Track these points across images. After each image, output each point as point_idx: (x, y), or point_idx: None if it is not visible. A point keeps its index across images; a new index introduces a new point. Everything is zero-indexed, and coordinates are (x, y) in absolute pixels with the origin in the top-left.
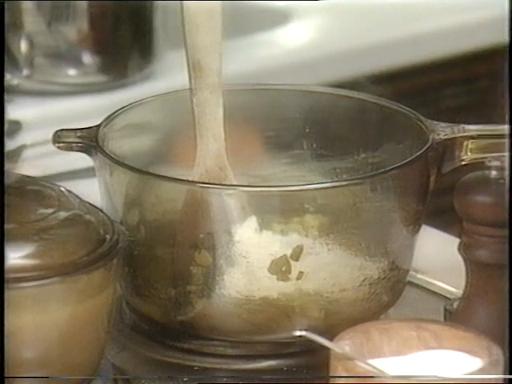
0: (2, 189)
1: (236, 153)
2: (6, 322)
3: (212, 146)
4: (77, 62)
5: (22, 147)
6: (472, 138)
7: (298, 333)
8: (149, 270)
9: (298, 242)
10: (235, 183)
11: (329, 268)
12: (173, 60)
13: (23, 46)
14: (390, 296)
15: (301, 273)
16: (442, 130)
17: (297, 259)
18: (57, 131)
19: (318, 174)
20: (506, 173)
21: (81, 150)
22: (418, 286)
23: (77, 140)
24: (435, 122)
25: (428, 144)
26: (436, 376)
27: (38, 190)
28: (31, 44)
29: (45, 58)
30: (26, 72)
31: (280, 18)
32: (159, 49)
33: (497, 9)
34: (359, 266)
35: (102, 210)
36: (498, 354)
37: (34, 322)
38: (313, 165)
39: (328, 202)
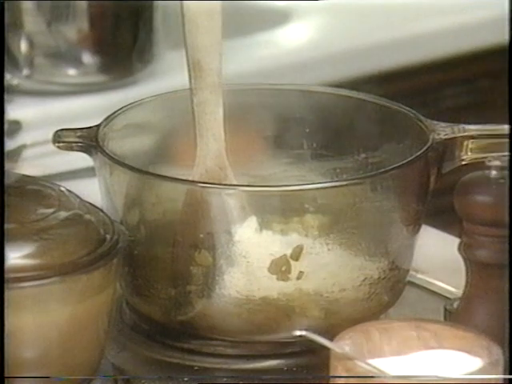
0: (2, 189)
1: (236, 153)
2: (6, 322)
3: (212, 145)
4: (77, 62)
5: (22, 147)
6: (472, 137)
7: (298, 333)
8: (149, 269)
9: (297, 241)
10: (235, 183)
11: (329, 268)
12: (173, 60)
13: (23, 45)
14: (389, 296)
15: (301, 273)
16: (442, 130)
17: (297, 259)
18: (57, 131)
19: (318, 173)
20: (506, 173)
21: (81, 149)
22: (417, 285)
23: (77, 140)
24: (435, 122)
25: (428, 144)
26: (436, 376)
27: (38, 189)
28: (31, 44)
29: (45, 57)
30: (25, 72)
31: (280, 18)
32: (159, 49)
33: (497, 9)
34: (359, 266)
35: (102, 210)
36: (498, 353)
37: (34, 322)
38: (313, 165)
39: (328, 202)
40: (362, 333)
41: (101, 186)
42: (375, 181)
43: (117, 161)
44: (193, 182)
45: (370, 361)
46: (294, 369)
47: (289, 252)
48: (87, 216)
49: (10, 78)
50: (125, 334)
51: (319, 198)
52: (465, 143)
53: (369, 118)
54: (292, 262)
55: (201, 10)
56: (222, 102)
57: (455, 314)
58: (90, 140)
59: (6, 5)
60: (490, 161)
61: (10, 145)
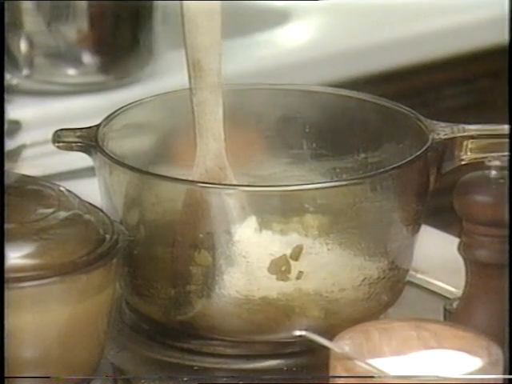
0: (2, 189)
1: (236, 153)
2: (5, 322)
3: (212, 145)
4: (76, 62)
5: (22, 147)
6: (472, 137)
7: (297, 333)
8: (148, 269)
9: (297, 241)
10: (235, 183)
11: (328, 268)
12: (173, 60)
13: (23, 45)
14: (389, 296)
15: (300, 272)
16: (442, 130)
17: (296, 259)
18: (56, 131)
19: (318, 173)
20: (506, 173)
21: (80, 149)
22: (417, 285)
23: (76, 140)
24: (435, 122)
25: (428, 144)
26: (436, 376)
27: (38, 189)
28: (31, 44)
29: (44, 57)
30: (25, 72)
31: (280, 18)
32: (159, 49)
33: (497, 9)
34: (359, 266)
35: (101, 210)
36: (498, 353)
37: (34, 321)
38: (313, 165)
39: (328, 202)
40: (362, 333)
41: (100, 185)
42: (375, 181)
43: (116, 161)
44: (192, 181)
45: (370, 361)
46: (294, 369)
47: (288, 252)
48: (87, 216)
49: (9, 78)
50: (124, 333)
51: (319, 198)
52: (464, 143)
53: (369, 117)
54: (292, 262)
55: (200, 10)
56: (222, 102)
57: (455, 314)
58: (89, 140)
59: (6, 5)
60: (489, 161)
61: (9, 145)
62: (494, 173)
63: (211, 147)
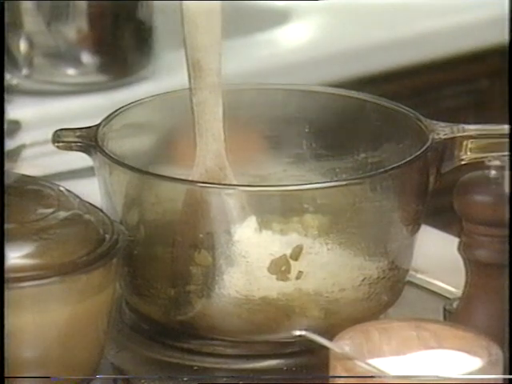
0: (2, 189)
1: (236, 153)
2: (6, 322)
3: (212, 145)
4: (76, 62)
5: (22, 147)
6: (472, 137)
7: (297, 333)
8: (148, 269)
9: (297, 241)
10: (235, 183)
11: (328, 268)
12: (172, 60)
13: (23, 45)
14: (389, 296)
15: (300, 272)
16: (442, 130)
17: (296, 259)
18: (56, 131)
19: (318, 173)
20: (506, 173)
21: (80, 149)
22: (417, 285)
23: (76, 139)
24: (435, 122)
25: (427, 144)
26: (436, 376)
27: (38, 189)
28: (31, 44)
29: (44, 57)
30: (25, 72)
31: (280, 18)
32: (159, 49)
33: (497, 9)
34: (359, 266)
35: (101, 210)
36: (498, 353)
37: (34, 321)
38: (312, 165)
39: (328, 202)
40: (362, 333)
41: (100, 185)
42: (375, 181)
43: (116, 161)
44: (192, 181)
45: (370, 361)
46: (294, 369)
47: (288, 252)
48: (87, 216)
49: (9, 78)
50: (124, 333)
51: (319, 198)
52: (464, 143)
53: (368, 117)
54: (292, 262)
55: (200, 10)
56: (222, 102)
57: (455, 314)
58: (89, 140)
59: (6, 5)
60: (489, 161)
61: (9, 145)
62: (493, 173)
63: (211, 147)
